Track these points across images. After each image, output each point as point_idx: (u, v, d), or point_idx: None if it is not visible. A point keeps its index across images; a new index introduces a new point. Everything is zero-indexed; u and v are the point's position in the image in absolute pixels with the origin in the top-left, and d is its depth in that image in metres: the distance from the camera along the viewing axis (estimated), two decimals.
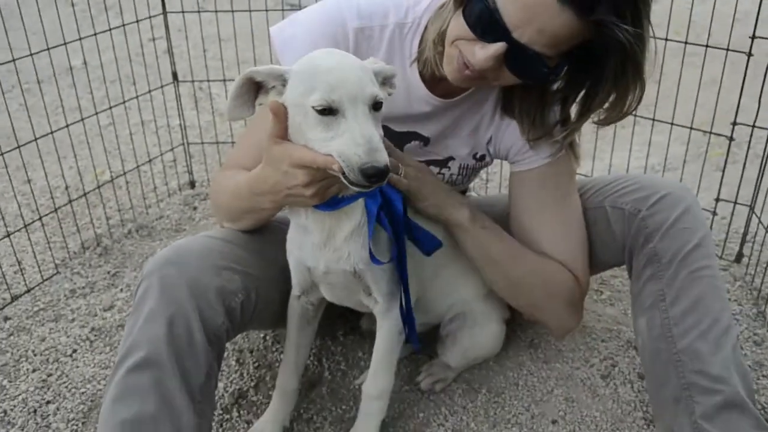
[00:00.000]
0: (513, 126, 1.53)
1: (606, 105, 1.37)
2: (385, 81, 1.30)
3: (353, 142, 1.15)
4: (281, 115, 1.23)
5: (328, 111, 1.17)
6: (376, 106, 1.20)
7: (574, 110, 1.47)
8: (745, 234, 2.22)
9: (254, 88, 1.25)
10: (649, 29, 1.28)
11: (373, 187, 1.16)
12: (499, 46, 1.26)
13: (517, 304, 1.64)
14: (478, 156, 1.63)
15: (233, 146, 1.61)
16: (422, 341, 1.60)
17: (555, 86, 1.46)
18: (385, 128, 1.50)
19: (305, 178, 1.24)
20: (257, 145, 1.45)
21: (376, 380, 1.52)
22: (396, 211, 1.35)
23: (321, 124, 1.18)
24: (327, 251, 1.38)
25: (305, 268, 1.44)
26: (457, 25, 1.31)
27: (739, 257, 2.23)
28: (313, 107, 1.17)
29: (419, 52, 1.45)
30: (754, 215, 2.17)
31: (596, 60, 1.29)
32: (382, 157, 1.14)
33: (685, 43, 2.15)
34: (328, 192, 1.29)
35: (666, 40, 2.19)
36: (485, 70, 1.30)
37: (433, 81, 1.47)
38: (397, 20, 1.46)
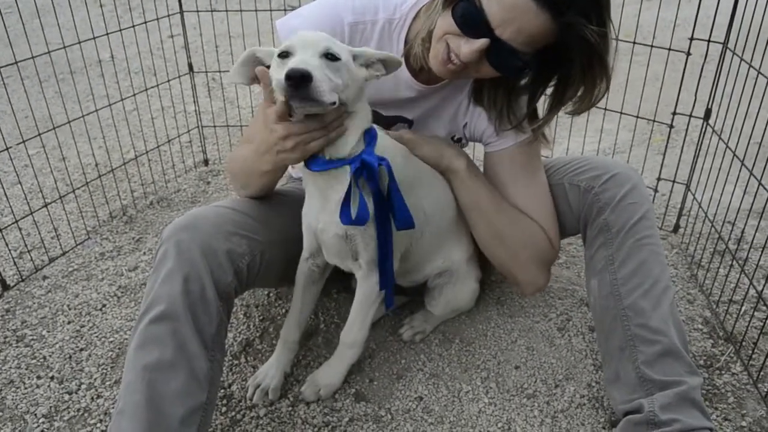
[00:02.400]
0: (485, 113, 1.52)
1: (575, 98, 1.35)
2: (369, 65, 1.29)
3: (289, 67, 1.12)
4: (266, 78, 1.22)
5: (284, 55, 1.19)
6: (329, 56, 1.19)
7: (543, 104, 1.45)
8: (681, 209, 2.22)
9: (255, 62, 1.27)
10: (611, 28, 1.26)
11: (299, 93, 1.12)
12: (482, 42, 1.24)
13: (495, 254, 1.60)
14: (455, 138, 1.61)
15: (248, 127, 1.59)
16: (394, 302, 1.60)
17: (522, 82, 1.44)
18: (375, 113, 1.48)
19: (283, 131, 1.22)
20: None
21: (351, 332, 1.52)
22: (372, 177, 1.30)
23: (279, 65, 1.19)
24: (324, 213, 1.37)
25: (312, 231, 1.42)
26: (445, 23, 1.29)
27: (676, 228, 2.23)
28: (276, 56, 1.20)
29: (408, 47, 1.43)
30: (689, 193, 2.17)
31: (565, 57, 1.28)
32: (303, 67, 1.11)
33: (633, 43, 2.13)
34: (308, 147, 1.24)
35: (617, 40, 2.17)
36: (468, 63, 1.28)
37: (418, 70, 1.46)
38: (386, 16, 1.44)
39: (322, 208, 1.37)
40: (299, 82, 1.10)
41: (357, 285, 1.49)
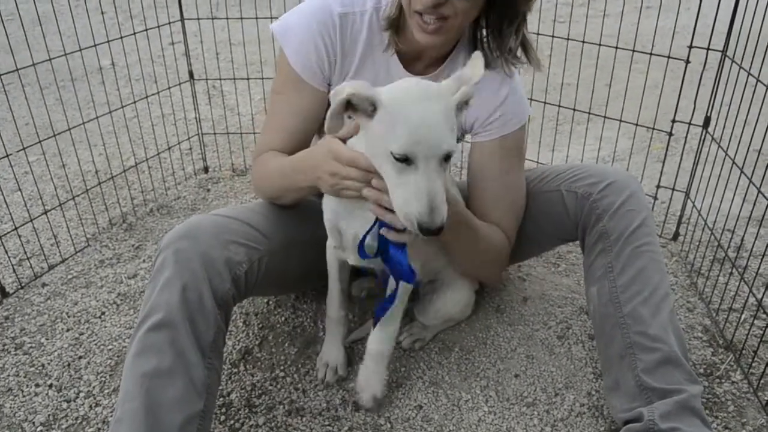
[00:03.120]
0: (476, 102, 1.52)
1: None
2: (467, 102, 1.23)
3: (416, 197, 1.12)
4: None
5: (404, 159, 1.13)
6: (446, 157, 1.16)
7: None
8: (681, 216, 2.22)
9: (346, 105, 1.20)
10: None
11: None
12: None
13: (460, 263, 1.61)
14: None
15: (261, 134, 1.60)
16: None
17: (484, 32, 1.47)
18: None
19: (334, 168, 1.25)
20: (283, 129, 1.52)
21: (382, 340, 1.51)
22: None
23: (393, 167, 1.14)
24: (352, 220, 1.38)
25: (337, 230, 1.43)
26: None
27: (676, 236, 2.23)
28: (391, 152, 1.13)
29: (394, 35, 1.44)
30: (689, 200, 2.17)
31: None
32: (439, 218, 1.12)
33: (633, 51, 2.13)
34: (344, 192, 1.27)
35: (616, 48, 2.18)
36: (440, 7, 1.27)
37: (410, 60, 1.48)
38: (373, 4, 1.45)
39: (348, 214, 1.38)
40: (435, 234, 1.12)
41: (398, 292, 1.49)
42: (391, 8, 1.40)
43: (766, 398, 1.56)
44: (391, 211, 1.20)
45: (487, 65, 1.38)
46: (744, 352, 1.70)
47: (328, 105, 1.19)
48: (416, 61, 1.49)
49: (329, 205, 1.43)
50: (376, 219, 1.29)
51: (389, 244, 1.31)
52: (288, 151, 1.54)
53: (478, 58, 1.27)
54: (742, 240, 1.95)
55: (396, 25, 1.42)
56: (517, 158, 1.57)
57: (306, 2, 1.48)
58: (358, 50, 1.48)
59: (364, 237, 1.33)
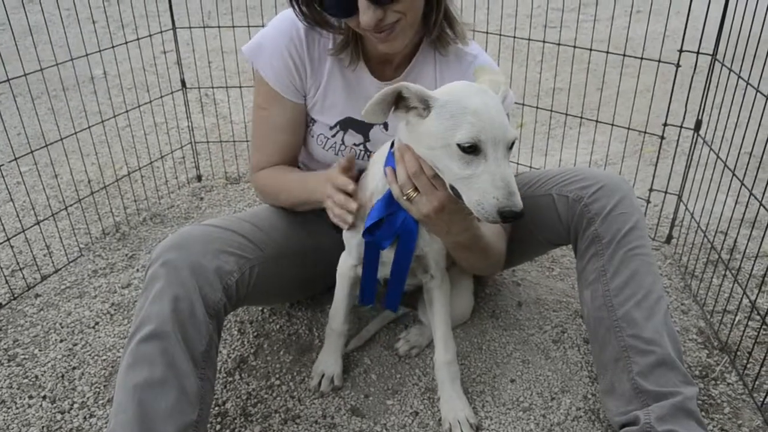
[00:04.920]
0: None
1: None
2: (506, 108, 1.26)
3: (492, 185, 1.11)
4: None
5: (472, 149, 1.12)
6: (510, 146, 1.16)
7: None
8: (674, 219, 2.23)
9: (396, 100, 1.20)
10: None
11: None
12: (363, 4, 1.28)
13: (463, 267, 1.62)
14: None
15: (253, 150, 1.64)
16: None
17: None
18: (351, 119, 1.54)
19: (330, 192, 1.37)
20: (274, 143, 1.60)
21: (447, 347, 1.52)
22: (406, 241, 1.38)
23: (461, 160, 1.14)
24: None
25: (362, 244, 1.42)
26: (352, 21, 1.35)
27: (669, 239, 2.24)
28: (458, 144, 1.12)
29: (355, 50, 1.48)
30: (681, 203, 2.18)
31: None
32: (519, 201, 1.11)
33: (624, 56, 2.14)
34: (341, 217, 1.36)
35: (607, 53, 2.19)
36: (384, 22, 1.30)
37: (380, 65, 1.51)
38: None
39: None
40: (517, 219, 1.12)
41: (434, 297, 1.52)
42: (336, 38, 1.46)
43: (761, 399, 1.56)
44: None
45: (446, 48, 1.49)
46: (739, 353, 1.70)
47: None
48: (386, 65, 1.53)
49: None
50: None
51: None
52: (284, 163, 1.63)
53: (494, 72, 1.31)
54: (735, 242, 1.95)
55: (355, 41, 1.47)
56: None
57: (273, 21, 1.53)
58: (327, 63, 1.52)
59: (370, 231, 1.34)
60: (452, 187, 1.20)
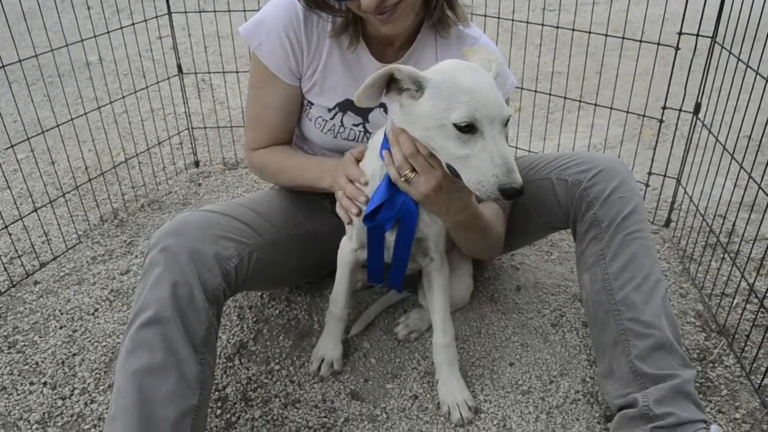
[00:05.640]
0: None
1: None
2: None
3: (491, 163, 1.12)
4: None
5: (468, 128, 1.12)
6: (506, 122, 1.16)
7: None
8: (672, 203, 2.23)
9: (388, 82, 1.20)
10: None
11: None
12: None
13: (462, 249, 1.62)
14: None
15: (248, 129, 1.64)
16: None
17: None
18: (350, 101, 1.53)
19: (342, 183, 1.40)
20: (268, 124, 1.60)
21: (445, 330, 1.52)
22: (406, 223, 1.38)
23: (458, 139, 1.14)
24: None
25: (365, 229, 1.42)
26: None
27: (667, 222, 2.24)
28: (454, 124, 1.12)
29: (355, 31, 1.47)
30: (680, 187, 2.18)
31: None
32: (518, 177, 1.12)
33: (623, 38, 2.13)
34: (349, 209, 1.39)
35: (606, 36, 2.18)
36: (385, 3, 1.29)
37: (382, 47, 1.50)
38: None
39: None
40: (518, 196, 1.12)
41: (433, 280, 1.51)
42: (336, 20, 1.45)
43: (758, 381, 1.57)
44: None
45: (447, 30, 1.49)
46: (736, 336, 1.71)
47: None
48: (387, 47, 1.52)
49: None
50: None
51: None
52: (278, 143, 1.63)
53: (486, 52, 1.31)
54: (734, 225, 1.96)
55: (354, 22, 1.45)
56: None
57: (271, 2, 1.52)
58: (326, 45, 1.50)
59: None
60: (449, 167, 1.20)
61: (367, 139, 1.55)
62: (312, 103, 1.57)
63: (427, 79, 1.16)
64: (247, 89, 1.63)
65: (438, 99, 1.15)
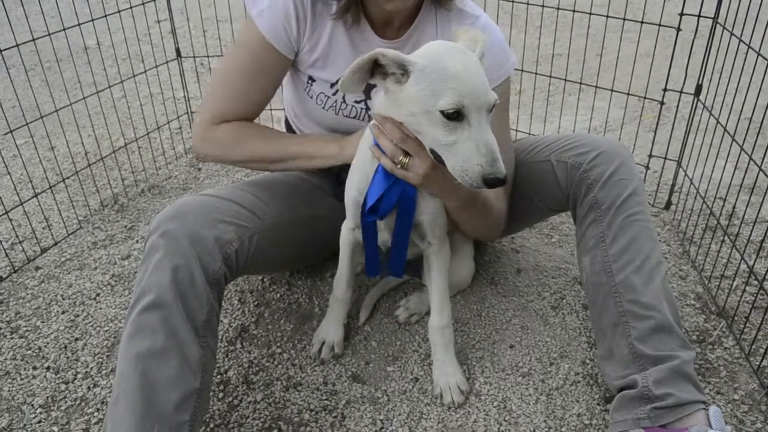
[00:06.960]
0: None
1: None
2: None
3: (477, 152, 1.11)
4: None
5: (455, 115, 1.12)
6: (491, 109, 1.15)
7: None
8: (673, 185, 2.23)
9: (372, 67, 1.18)
10: None
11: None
12: None
13: (463, 230, 1.62)
14: None
15: (215, 95, 1.56)
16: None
17: None
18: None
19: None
20: (237, 98, 1.52)
21: (442, 313, 1.52)
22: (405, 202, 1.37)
23: (445, 127, 1.13)
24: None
25: (359, 208, 1.41)
26: None
27: (668, 205, 2.24)
28: (441, 111, 1.12)
29: (356, 9, 1.44)
30: (681, 169, 2.17)
31: None
32: (502, 167, 1.11)
33: (623, 20, 2.12)
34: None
35: (607, 17, 2.16)
36: None
37: (383, 25, 1.48)
38: None
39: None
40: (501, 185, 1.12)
41: (432, 263, 1.50)
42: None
43: (757, 363, 1.58)
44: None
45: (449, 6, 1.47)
46: (736, 318, 1.72)
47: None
48: (388, 26, 1.49)
49: (353, 183, 1.42)
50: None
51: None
52: (243, 117, 1.55)
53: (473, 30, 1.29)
54: (734, 207, 1.96)
55: (356, 3, 1.42)
56: (506, 112, 1.57)
57: None
58: (329, 21, 1.47)
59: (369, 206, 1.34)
60: (433, 152, 1.20)
61: (368, 117, 1.55)
62: (314, 80, 1.55)
63: (413, 63, 1.14)
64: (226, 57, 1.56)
65: (424, 84, 1.13)
